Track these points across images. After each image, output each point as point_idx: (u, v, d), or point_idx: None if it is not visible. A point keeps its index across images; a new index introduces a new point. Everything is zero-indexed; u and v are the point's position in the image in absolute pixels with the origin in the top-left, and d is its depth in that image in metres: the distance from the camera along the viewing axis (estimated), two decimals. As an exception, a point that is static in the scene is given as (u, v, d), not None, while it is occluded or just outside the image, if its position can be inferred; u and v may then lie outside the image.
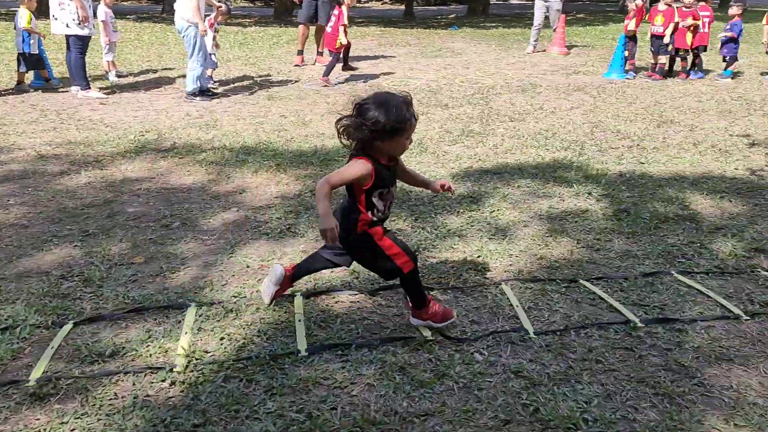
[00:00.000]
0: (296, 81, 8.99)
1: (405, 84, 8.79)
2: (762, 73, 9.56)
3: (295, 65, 10.19)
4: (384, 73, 9.66)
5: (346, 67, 9.58)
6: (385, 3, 31.20)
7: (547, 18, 11.86)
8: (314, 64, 10.20)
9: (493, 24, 18.57)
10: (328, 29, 8.90)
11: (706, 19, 9.17)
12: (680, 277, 3.34)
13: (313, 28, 10.27)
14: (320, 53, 10.32)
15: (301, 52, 10.31)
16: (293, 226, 3.94)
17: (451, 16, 22.46)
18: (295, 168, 5.07)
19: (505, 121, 6.81)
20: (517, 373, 2.53)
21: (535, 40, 11.73)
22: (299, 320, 2.85)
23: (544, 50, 11.91)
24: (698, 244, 3.77)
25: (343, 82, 8.89)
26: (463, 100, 7.77)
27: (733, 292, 3.22)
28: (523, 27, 17.26)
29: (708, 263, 3.54)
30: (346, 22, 8.62)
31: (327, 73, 8.61)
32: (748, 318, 2.95)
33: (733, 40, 9.15)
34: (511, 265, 3.49)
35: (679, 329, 2.85)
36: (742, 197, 4.53)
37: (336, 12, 8.71)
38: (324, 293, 3.11)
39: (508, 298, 3.11)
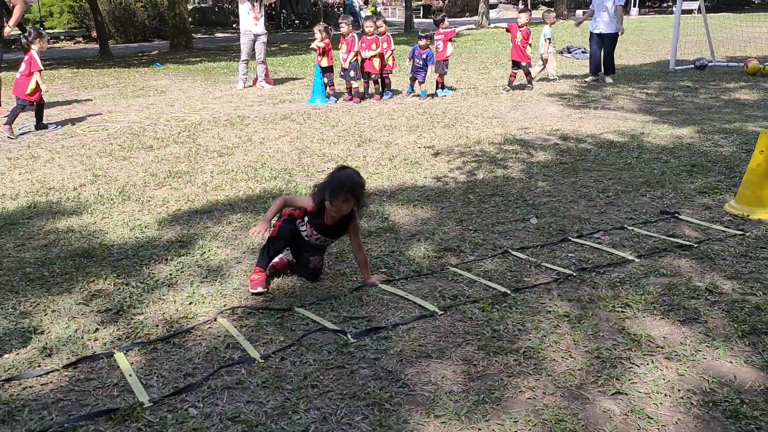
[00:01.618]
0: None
1: (103, 128, 8.20)
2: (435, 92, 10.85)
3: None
4: (77, 118, 8.91)
5: (40, 126, 8.46)
6: (79, 42, 28.96)
7: (254, 50, 12.04)
8: (-8, 116, 8.99)
9: (197, 59, 18.33)
10: (18, 75, 7.95)
11: (385, 45, 10.13)
12: (383, 287, 3.59)
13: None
14: (-2, 103, 9.14)
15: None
16: (-34, 309, 3.38)
17: (154, 52, 21.65)
18: (-32, 239, 4.38)
19: (214, 156, 6.72)
20: (234, 419, 2.46)
21: (244, 74, 11.83)
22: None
23: (252, 84, 12.08)
24: (398, 252, 4.09)
25: (26, 133, 7.97)
26: (169, 140, 7.49)
27: (428, 291, 3.55)
28: (229, 60, 17.35)
29: (406, 269, 3.86)
30: (41, 67, 7.83)
31: (10, 121, 7.67)
32: (441, 313, 3.28)
33: (425, 65, 10.22)
34: (225, 305, 3.41)
35: (384, 337, 3.05)
36: (431, 203, 5.05)
37: (27, 57, 7.83)
38: (6, 381, 2.71)
39: (227, 331, 3.05)
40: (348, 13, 25.54)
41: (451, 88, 10.86)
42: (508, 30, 10.80)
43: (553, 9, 11.36)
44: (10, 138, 7.59)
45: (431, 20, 13.30)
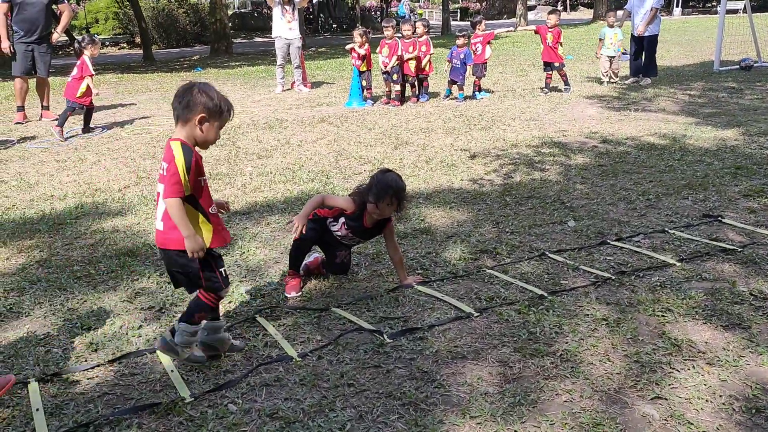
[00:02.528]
0: (18, 141, 8.10)
1: (147, 132, 8.41)
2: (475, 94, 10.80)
3: (17, 123, 9.20)
4: (122, 122, 9.15)
5: (86, 130, 8.69)
6: (123, 47, 29.71)
7: (289, 55, 12.19)
8: (40, 120, 9.30)
9: (237, 63, 18.63)
10: (69, 79, 8.23)
11: (424, 48, 10.14)
12: (420, 288, 3.61)
13: (32, 81, 9.36)
14: (45, 107, 9.45)
15: (21, 108, 9.33)
16: (15, 306, 3.50)
17: (195, 57, 22.08)
18: (17, 239, 4.54)
19: (253, 159, 6.83)
20: (272, 415, 2.51)
21: (282, 78, 11.99)
22: (36, 409, 2.53)
23: (290, 87, 12.22)
24: (434, 254, 4.10)
25: (74, 136, 8.22)
26: (210, 143, 7.63)
27: (464, 293, 3.55)
28: (268, 64, 17.58)
29: (442, 270, 3.87)
30: (92, 72, 8.10)
31: (61, 123, 7.95)
32: (477, 314, 3.27)
33: (463, 66, 10.21)
34: (263, 304, 3.47)
35: (420, 337, 3.07)
36: (467, 205, 5.04)
37: (79, 62, 8.11)
38: (56, 375, 2.81)
39: (266, 330, 3.11)
40: (402, 17, 25.72)
41: (488, 91, 10.82)
42: (536, 32, 10.71)
43: (613, 11, 11.09)
44: (59, 140, 7.84)
45: (468, 23, 13.26)
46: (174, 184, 2.63)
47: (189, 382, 2.74)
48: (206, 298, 2.83)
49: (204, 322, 2.86)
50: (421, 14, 36.23)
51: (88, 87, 8.13)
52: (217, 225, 2.81)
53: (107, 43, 30.98)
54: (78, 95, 8.11)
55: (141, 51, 22.69)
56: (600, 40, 11.11)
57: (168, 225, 2.70)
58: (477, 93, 10.42)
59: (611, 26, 10.93)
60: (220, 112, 2.69)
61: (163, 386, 2.73)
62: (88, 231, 4.66)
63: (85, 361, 2.93)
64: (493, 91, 10.91)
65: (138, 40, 25.71)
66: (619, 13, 11.71)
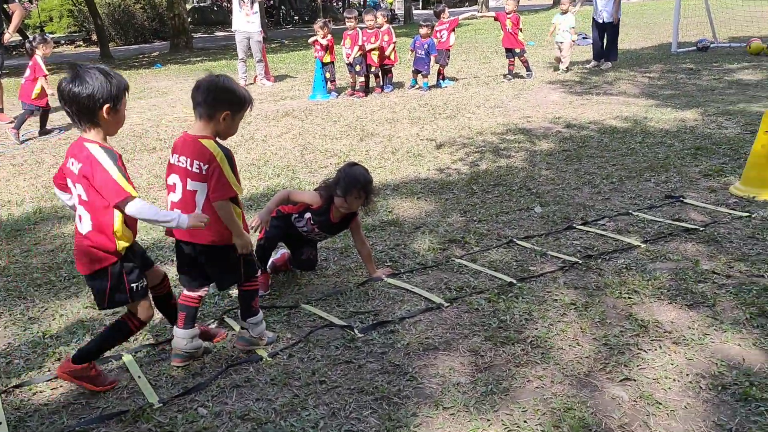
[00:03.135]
0: (-26, 144, 7.86)
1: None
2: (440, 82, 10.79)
3: (-29, 126, 8.92)
4: (81, 123, 8.93)
5: (43, 132, 8.46)
6: (79, 45, 28.97)
7: (250, 49, 12.01)
8: (-5, 123, 9.04)
9: (198, 58, 18.30)
10: (23, 80, 7.99)
11: (386, 38, 10.09)
12: (390, 281, 3.59)
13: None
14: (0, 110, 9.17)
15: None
16: (-25, 316, 3.40)
17: (154, 54, 21.65)
18: (-25, 247, 4.40)
19: (217, 156, 6.72)
20: (244, 417, 2.47)
21: (244, 73, 11.81)
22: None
23: (253, 82, 12.06)
24: (402, 246, 4.09)
25: (30, 139, 8.00)
26: (172, 141, 7.45)
27: (433, 284, 3.55)
28: (229, 59, 17.31)
29: (411, 261, 3.86)
30: (46, 71, 7.85)
31: (18, 125, 7.73)
32: (447, 305, 3.28)
33: (427, 56, 10.18)
34: (231, 304, 3.42)
35: (391, 330, 3.06)
36: (435, 195, 5.04)
37: (31, 62, 7.87)
38: (18, 387, 2.73)
39: (234, 330, 3.07)
40: (371, 7, 25.60)
41: (452, 79, 10.83)
42: (496, 19, 10.73)
43: None
44: (15, 143, 7.62)
45: (431, 11, 13.24)
46: (223, 186, 2.63)
47: (157, 387, 2.69)
48: (251, 285, 2.88)
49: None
50: (391, 3, 36.03)
51: (42, 88, 7.91)
52: (243, 216, 2.83)
53: (63, 42, 30.17)
54: (33, 97, 7.89)
55: (98, 49, 22.17)
56: (553, 24, 11.14)
57: (211, 223, 2.68)
58: (441, 81, 10.42)
59: (564, 12, 10.94)
60: (243, 106, 2.73)
61: (131, 393, 2.67)
62: (48, 236, 4.54)
63: (48, 371, 2.85)
64: (457, 79, 10.92)
65: (94, 37, 25.11)
66: None
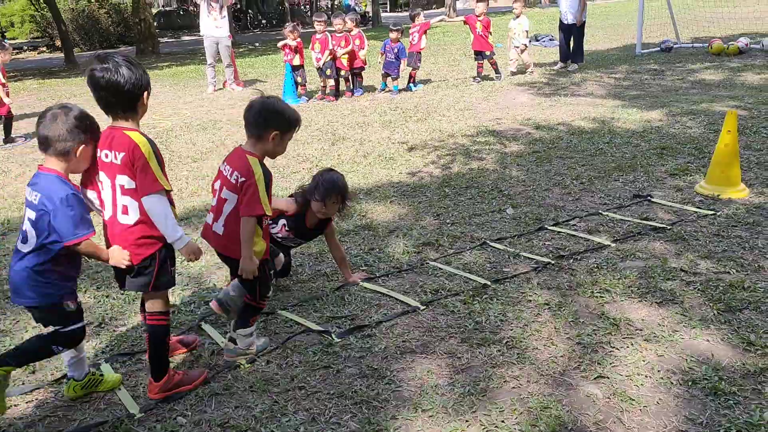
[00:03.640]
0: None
1: (73, 139, 8.09)
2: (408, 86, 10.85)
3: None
4: (47, 131, 8.76)
5: (8, 140, 8.25)
6: (43, 51, 28.43)
7: (218, 53, 11.93)
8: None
9: (165, 63, 18.12)
10: None
11: (358, 42, 10.12)
12: (365, 285, 3.61)
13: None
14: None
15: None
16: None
17: (120, 59, 21.35)
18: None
19: (188, 162, 6.68)
20: (223, 425, 2.47)
21: (213, 78, 11.72)
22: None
23: (222, 87, 11.98)
24: (377, 250, 4.12)
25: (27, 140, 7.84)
26: (141, 148, 7.40)
27: (409, 287, 3.58)
28: (198, 64, 17.17)
29: (387, 265, 3.88)
30: (3, 80, 7.65)
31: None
32: (423, 307, 3.31)
33: (397, 59, 10.22)
34: (208, 310, 3.41)
35: (368, 335, 3.08)
36: (408, 198, 5.08)
37: None
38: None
39: (212, 337, 3.06)
40: (344, 10, 25.56)
41: (422, 83, 10.89)
42: (466, 22, 10.84)
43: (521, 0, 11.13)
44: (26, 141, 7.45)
45: (398, 14, 13.29)
46: (254, 202, 2.68)
47: (135, 398, 2.67)
48: (258, 303, 2.94)
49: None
50: (365, 6, 36.01)
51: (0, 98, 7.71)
52: (267, 235, 2.89)
53: (25, 48, 29.61)
54: None
55: (62, 54, 21.78)
56: (510, 29, 11.25)
57: (230, 234, 2.76)
58: (412, 85, 10.48)
59: (517, 17, 11.05)
60: (292, 127, 2.83)
61: (107, 404, 2.65)
62: (17, 247, 4.45)
63: (23, 384, 2.81)
64: (425, 82, 10.99)
65: (58, 43, 24.65)
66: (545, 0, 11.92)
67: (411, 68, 10.42)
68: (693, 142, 6.04)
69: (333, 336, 3.05)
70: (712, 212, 4.33)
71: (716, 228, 4.08)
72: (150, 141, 2.47)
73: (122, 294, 3.63)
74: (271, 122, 2.77)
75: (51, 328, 2.50)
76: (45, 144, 2.43)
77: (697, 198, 4.65)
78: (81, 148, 2.43)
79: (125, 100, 2.46)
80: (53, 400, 2.68)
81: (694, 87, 9.01)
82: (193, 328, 3.25)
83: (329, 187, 3.40)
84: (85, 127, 2.45)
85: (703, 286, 3.33)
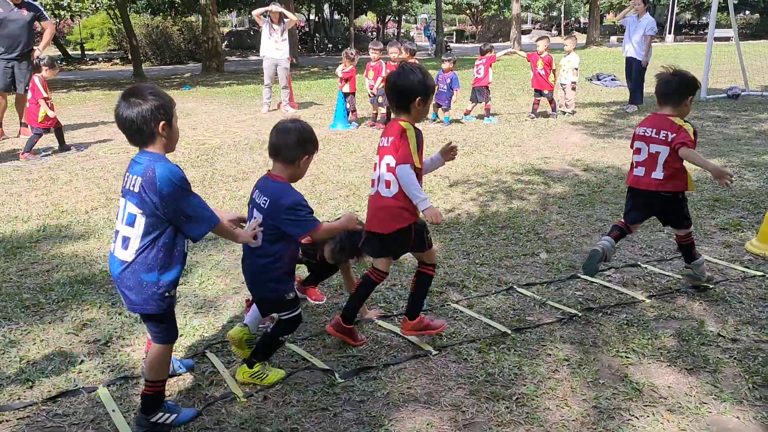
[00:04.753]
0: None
1: (125, 151, 8.29)
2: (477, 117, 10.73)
3: (-5, 139, 9.08)
4: (101, 141, 9.03)
5: (63, 147, 8.56)
6: (116, 63, 29.67)
7: (277, 75, 12.12)
8: (18, 137, 9.19)
9: (227, 81, 18.58)
10: (27, 104, 8.07)
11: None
12: (379, 322, 3.49)
13: (12, 97, 9.25)
14: (24, 124, 9.32)
15: None
16: (-43, 336, 3.37)
17: (186, 75, 22.05)
18: (-26, 262, 4.40)
19: (229, 181, 6.73)
20: (206, 462, 2.37)
21: (268, 98, 11.92)
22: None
23: (277, 107, 12.15)
24: (399, 286, 3.99)
25: (50, 155, 8.09)
26: (186, 163, 7.53)
27: (425, 329, 3.42)
28: (257, 83, 17.52)
29: (406, 303, 3.74)
30: (45, 94, 7.89)
31: (27, 149, 7.79)
32: (436, 353, 3.16)
33: (449, 90, 10.15)
34: (215, 337, 3.35)
35: (373, 377, 2.94)
36: (440, 234, 4.93)
37: (30, 84, 7.97)
38: None
39: (214, 366, 2.99)
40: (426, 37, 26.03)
41: (495, 115, 10.74)
42: (528, 60, 10.69)
43: (572, 38, 10.90)
44: (45, 156, 7.68)
45: (464, 45, 13.21)
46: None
47: (130, 423, 2.60)
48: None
49: None
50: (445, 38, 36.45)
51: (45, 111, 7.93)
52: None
53: (100, 59, 31.00)
54: (39, 120, 7.91)
55: (132, 67, 22.66)
56: (560, 66, 10.99)
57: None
58: (486, 118, 10.36)
59: (568, 53, 10.79)
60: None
61: (97, 428, 2.59)
62: (47, 256, 4.52)
63: (18, 399, 2.79)
64: (478, 117, 10.86)
65: (131, 56, 25.67)
66: (613, 38, 11.64)
67: (484, 102, 10.33)
68: (749, 196, 5.71)
69: (336, 376, 2.93)
70: (761, 273, 4.03)
71: (763, 291, 3.78)
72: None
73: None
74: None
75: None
76: (274, 152, 2.82)
77: (746, 257, 4.35)
78: (305, 158, 2.81)
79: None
80: (44, 419, 2.64)
81: (758, 137, 8.58)
82: (197, 356, 3.18)
83: (342, 249, 3.41)
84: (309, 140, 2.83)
85: (741, 355, 3.07)
